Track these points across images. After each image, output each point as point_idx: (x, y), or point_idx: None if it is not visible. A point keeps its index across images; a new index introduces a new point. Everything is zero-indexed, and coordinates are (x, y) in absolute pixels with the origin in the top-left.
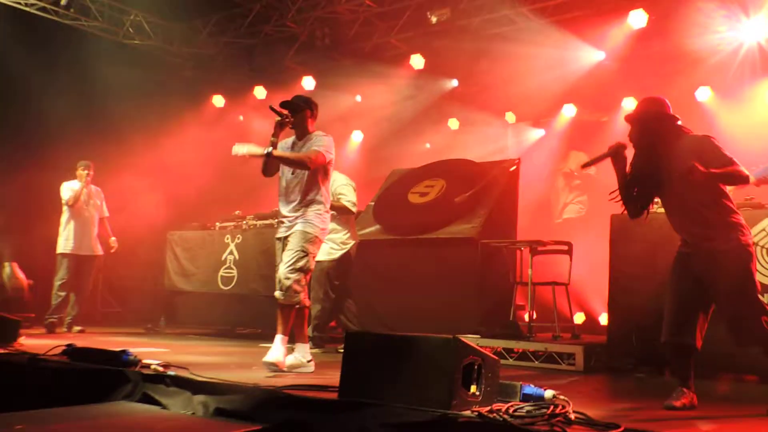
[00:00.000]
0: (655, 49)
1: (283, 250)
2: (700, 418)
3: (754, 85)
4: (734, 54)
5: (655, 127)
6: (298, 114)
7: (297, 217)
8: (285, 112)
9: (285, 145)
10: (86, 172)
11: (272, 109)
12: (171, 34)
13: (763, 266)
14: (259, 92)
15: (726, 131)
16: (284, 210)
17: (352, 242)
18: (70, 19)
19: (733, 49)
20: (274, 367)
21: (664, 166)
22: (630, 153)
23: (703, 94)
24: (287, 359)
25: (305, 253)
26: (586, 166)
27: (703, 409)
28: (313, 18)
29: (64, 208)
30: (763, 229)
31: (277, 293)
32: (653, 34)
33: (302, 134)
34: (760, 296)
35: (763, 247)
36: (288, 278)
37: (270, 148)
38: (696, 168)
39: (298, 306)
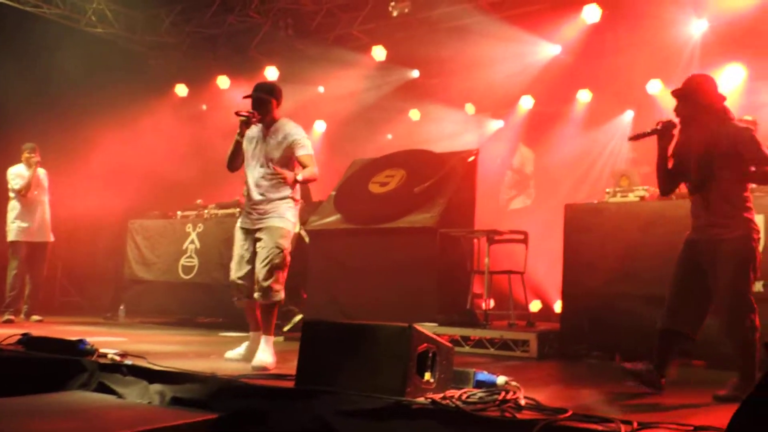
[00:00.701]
0: (608, 43)
1: (250, 243)
2: (647, 402)
3: None
4: (684, 47)
5: (699, 105)
6: (263, 107)
7: (268, 211)
8: (247, 114)
9: (250, 134)
10: (33, 155)
11: (238, 114)
12: (134, 22)
13: None
14: (223, 82)
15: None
16: (253, 202)
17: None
18: (31, 6)
19: (682, 43)
20: (265, 370)
21: (700, 147)
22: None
23: (654, 87)
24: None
25: (281, 250)
26: (633, 139)
27: (650, 394)
28: (276, 8)
29: (12, 195)
30: None
31: (257, 295)
32: (606, 29)
33: (269, 123)
34: (750, 295)
35: None
36: (267, 278)
37: (298, 176)
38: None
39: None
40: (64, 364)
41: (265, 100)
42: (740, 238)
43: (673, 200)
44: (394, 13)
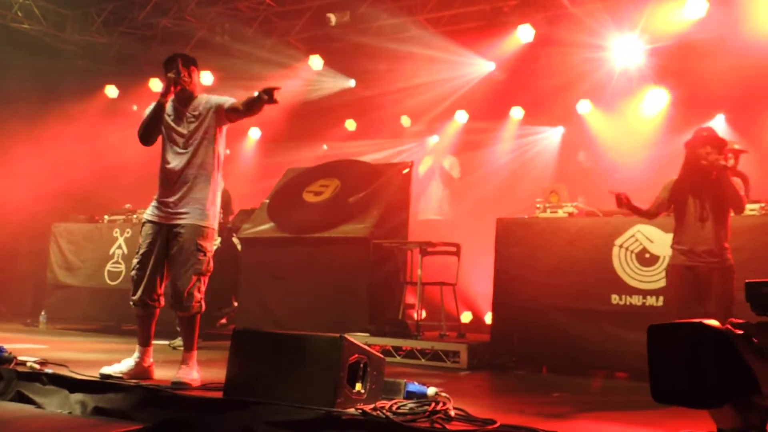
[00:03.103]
0: (541, 62)
1: (164, 243)
2: (572, 413)
3: (628, 98)
4: (612, 69)
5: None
6: (192, 74)
7: (185, 206)
8: (170, 74)
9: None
10: None
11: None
12: (63, 20)
13: (632, 269)
14: (155, 84)
15: (603, 142)
16: (167, 193)
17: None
18: None
19: (611, 65)
20: (186, 386)
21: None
22: None
23: (584, 107)
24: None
25: (203, 252)
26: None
27: (576, 405)
28: (213, 13)
29: None
30: (632, 236)
31: (176, 306)
32: (539, 49)
33: (188, 97)
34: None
35: (632, 252)
36: (185, 285)
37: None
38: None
39: (199, 313)
40: None
41: (189, 61)
42: (730, 267)
43: (600, 217)
44: (333, 22)
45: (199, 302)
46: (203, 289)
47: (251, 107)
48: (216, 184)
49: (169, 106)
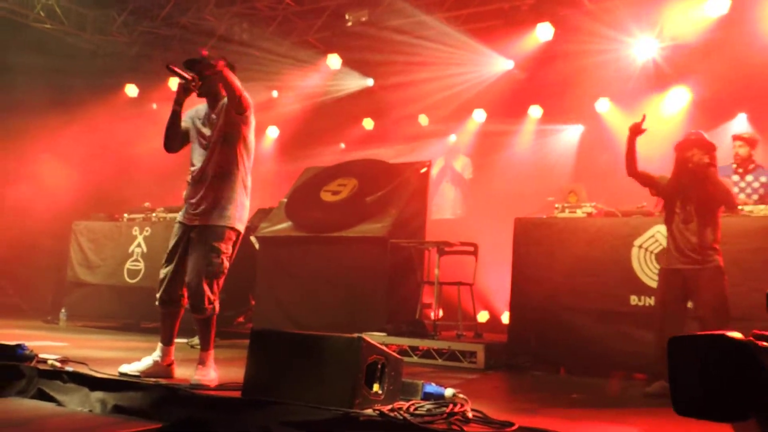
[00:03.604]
0: (560, 61)
1: (186, 244)
2: (591, 415)
3: (648, 97)
4: (632, 68)
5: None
6: (207, 76)
7: (203, 206)
8: (189, 75)
9: (195, 114)
10: None
11: (171, 69)
12: (84, 20)
13: (651, 270)
14: (175, 83)
15: (623, 141)
16: (190, 194)
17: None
18: None
19: (630, 63)
20: (204, 388)
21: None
22: None
23: (603, 105)
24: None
25: (216, 254)
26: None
27: (594, 407)
28: (232, 13)
29: None
30: (652, 236)
31: (189, 306)
32: (558, 47)
33: (215, 101)
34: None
35: (652, 252)
36: (195, 285)
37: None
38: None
39: (214, 314)
40: (2, 370)
41: (210, 66)
42: (717, 268)
43: (619, 217)
44: (350, 22)
45: (212, 304)
46: (216, 290)
47: (226, 92)
48: (238, 184)
49: (202, 110)
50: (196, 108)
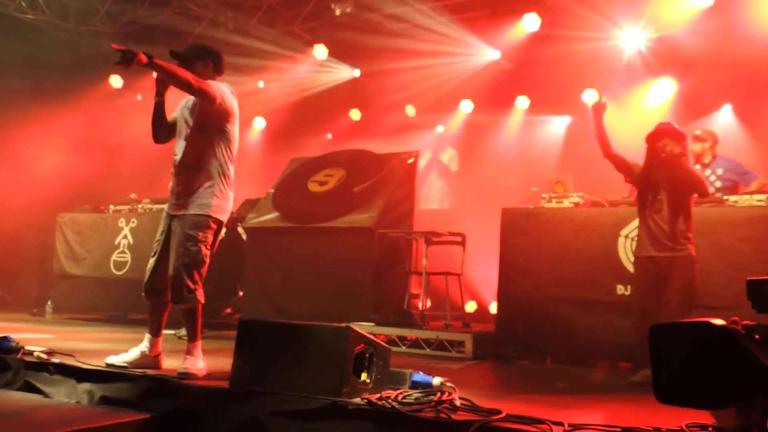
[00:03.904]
0: (546, 51)
1: (169, 234)
2: (577, 403)
3: (635, 88)
4: (618, 59)
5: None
6: (188, 69)
7: (182, 196)
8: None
9: (185, 105)
10: None
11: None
12: (67, 10)
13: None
14: None
15: (610, 132)
16: (173, 184)
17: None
18: None
19: (617, 54)
20: (192, 376)
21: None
22: None
23: (589, 96)
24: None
25: (193, 242)
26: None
27: (580, 395)
28: (216, 2)
29: None
30: (638, 226)
31: (171, 297)
32: (545, 38)
33: None
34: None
35: (634, 240)
36: (177, 275)
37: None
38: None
39: (199, 305)
40: None
41: (187, 59)
42: (689, 257)
43: (605, 207)
44: (337, 12)
45: (192, 293)
46: (198, 279)
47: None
48: (214, 173)
49: (191, 100)
50: (187, 98)
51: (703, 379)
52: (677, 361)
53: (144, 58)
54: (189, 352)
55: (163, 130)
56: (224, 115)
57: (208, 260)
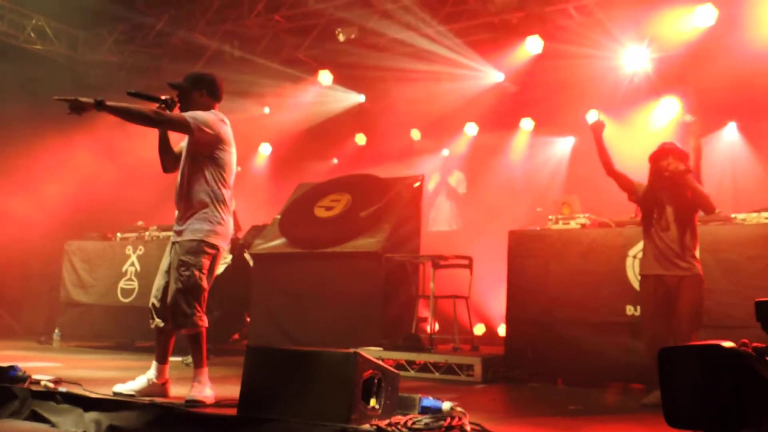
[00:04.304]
0: (550, 73)
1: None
2: (589, 426)
3: (639, 108)
4: (622, 79)
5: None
6: (185, 98)
7: (179, 222)
8: (164, 96)
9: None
10: None
11: (139, 95)
12: (75, 40)
13: None
14: None
15: (615, 152)
16: (176, 211)
17: (229, 257)
18: None
19: (620, 75)
20: (200, 404)
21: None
22: None
23: (594, 117)
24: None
25: (185, 267)
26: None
27: (593, 417)
28: (222, 31)
29: None
30: None
31: (171, 323)
32: (548, 59)
33: None
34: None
35: None
36: (173, 301)
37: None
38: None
39: (200, 329)
40: None
41: (185, 88)
42: (697, 275)
43: (612, 228)
44: (341, 39)
45: (189, 318)
46: (194, 303)
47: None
48: (208, 198)
49: None
50: None
51: (713, 403)
52: (687, 384)
53: (92, 104)
54: (196, 378)
55: (169, 159)
56: (213, 143)
57: (205, 284)
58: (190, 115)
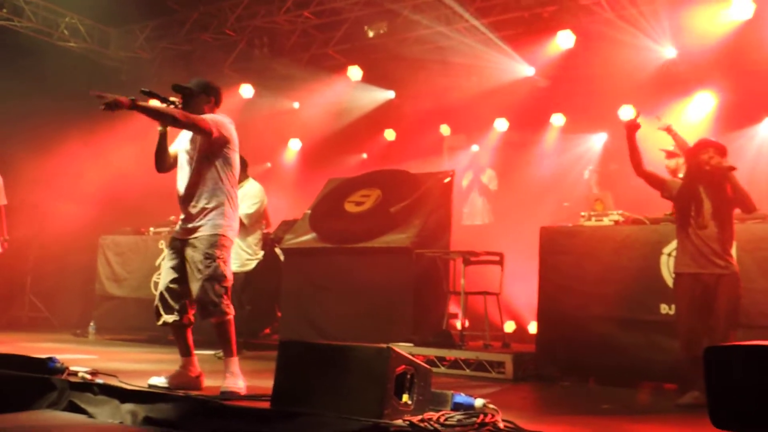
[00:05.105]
0: (581, 69)
1: (181, 255)
2: (623, 426)
3: (672, 103)
4: (654, 74)
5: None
6: (191, 101)
7: (198, 220)
8: (172, 98)
9: (185, 135)
10: None
11: (147, 93)
12: (107, 37)
13: None
14: None
15: (647, 148)
16: (181, 210)
17: (261, 252)
18: (2, 19)
19: (653, 70)
20: (234, 395)
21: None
22: None
23: (626, 113)
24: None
25: (212, 259)
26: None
27: (626, 417)
28: (252, 27)
29: None
30: None
31: (200, 314)
32: (580, 54)
33: None
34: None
35: None
36: (200, 293)
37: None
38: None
39: (228, 318)
40: (33, 383)
41: (192, 91)
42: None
43: (646, 225)
44: (370, 34)
45: (217, 306)
46: (222, 292)
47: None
48: (223, 197)
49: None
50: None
51: (760, 404)
52: (733, 385)
53: (127, 103)
54: (228, 369)
55: (165, 160)
56: (224, 143)
57: (229, 274)
58: (209, 117)
